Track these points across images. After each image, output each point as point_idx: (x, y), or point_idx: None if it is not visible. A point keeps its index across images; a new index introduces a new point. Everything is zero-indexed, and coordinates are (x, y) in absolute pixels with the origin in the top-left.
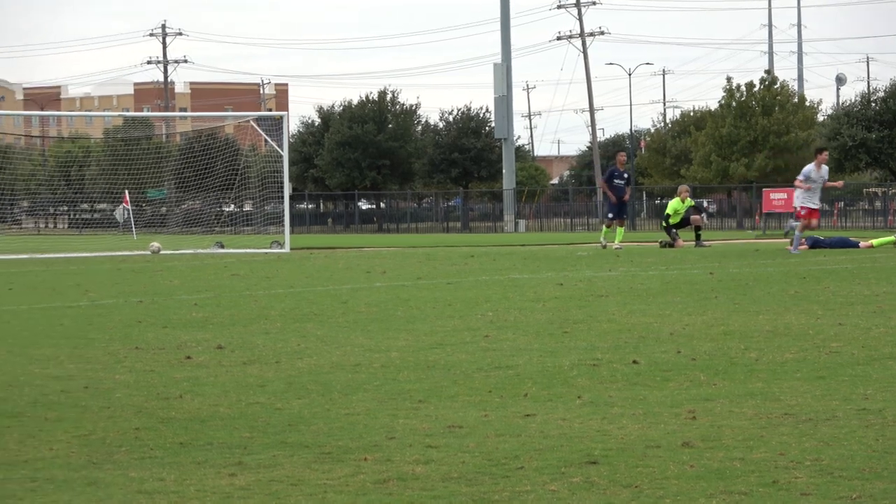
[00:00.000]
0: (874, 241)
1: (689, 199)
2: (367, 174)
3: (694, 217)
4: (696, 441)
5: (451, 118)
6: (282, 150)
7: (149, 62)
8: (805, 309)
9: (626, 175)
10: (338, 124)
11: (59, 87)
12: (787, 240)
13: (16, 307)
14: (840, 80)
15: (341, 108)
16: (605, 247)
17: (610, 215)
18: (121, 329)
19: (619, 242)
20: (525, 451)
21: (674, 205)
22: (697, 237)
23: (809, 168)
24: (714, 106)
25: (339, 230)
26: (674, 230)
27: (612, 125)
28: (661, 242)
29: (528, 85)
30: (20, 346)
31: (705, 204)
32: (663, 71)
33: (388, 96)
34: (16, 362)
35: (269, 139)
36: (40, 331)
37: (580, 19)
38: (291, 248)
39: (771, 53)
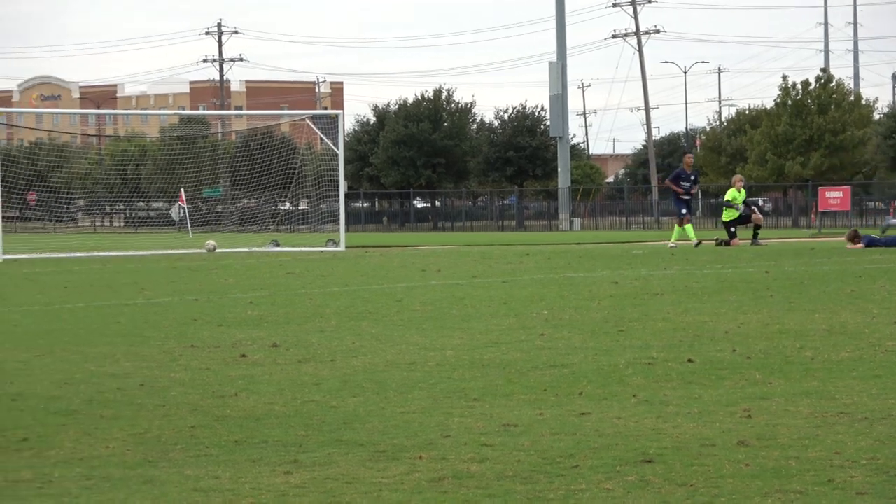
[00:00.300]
0: None
1: (742, 189)
2: (422, 172)
3: (756, 217)
4: (752, 440)
5: (506, 116)
6: (337, 148)
7: (204, 60)
8: (861, 308)
9: (692, 176)
10: (393, 123)
11: (115, 85)
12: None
13: (72, 305)
14: None
15: (396, 106)
16: (698, 244)
17: (683, 211)
18: (176, 327)
19: (675, 241)
20: (580, 449)
21: (732, 193)
22: (755, 235)
23: None
24: (770, 104)
25: (394, 228)
26: (732, 228)
27: (668, 123)
28: (717, 241)
29: (583, 83)
30: (76, 344)
31: (760, 202)
32: (718, 69)
33: (444, 94)
34: (72, 360)
35: (324, 137)
36: (96, 329)
37: (635, 17)
38: (346, 247)
39: (827, 52)
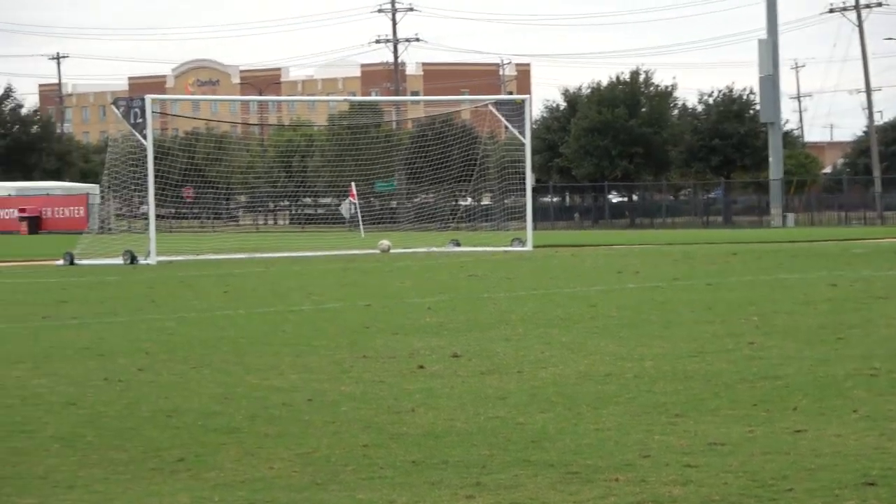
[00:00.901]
0: None
1: None
2: (617, 163)
3: None
4: None
5: (710, 101)
6: (524, 137)
7: (377, 41)
8: None
9: None
10: (585, 108)
11: (279, 69)
12: None
13: (232, 312)
14: None
15: (589, 90)
16: None
17: None
18: (347, 335)
19: None
20: (794, 470)
21: None
22: None
23: None
24: None
25: (586, 226)
26: None
27: (892, 107)
28: None
29: (796, 63)
30: (237, 354)
31: None
32: None
33: (642, 77)
34: (232, 372)
35: (509, 125)
36: (259, 338)
37: None
38: (534, 246)
39: None
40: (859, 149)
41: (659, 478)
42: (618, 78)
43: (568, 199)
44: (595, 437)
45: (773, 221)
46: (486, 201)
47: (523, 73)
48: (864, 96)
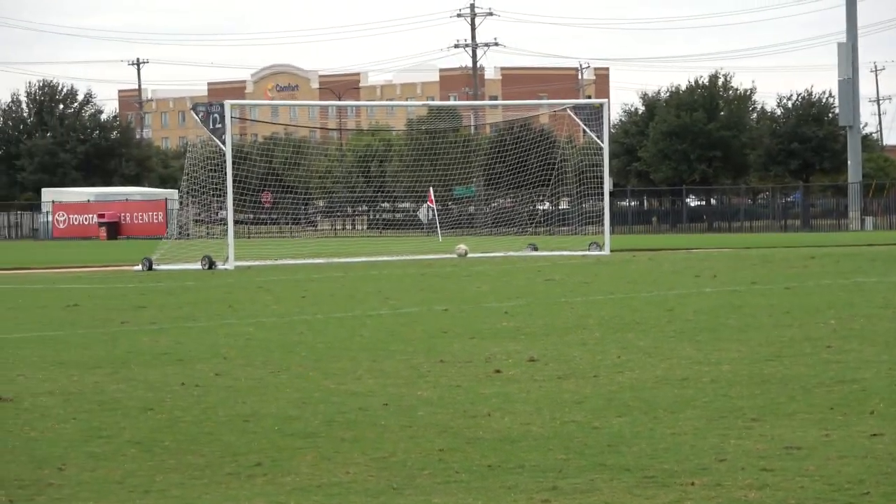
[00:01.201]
0: None
1: None
2: (696, 167)
3: None
4: None
5: (789, 104)
6: (602, 141)
7: (456, 45)
8: None
9: None
10: (664, 112)
11: (358, 73)
12: None
13: (310, 316)
14: None
15: (667, 94)
16: None
17: None
18: (424, 340)
19: None
20: (871, 474)
21: None
22: None
23: None
24: None
25: (664, 230)
26: None
27: None
28: None
29: (875, 66)
30: (314, 359)
31: None
32: None
33: (720, 80)
34: (309, 377)
35: (587, 129)
36: (336, 342)
37: None
38: (611, 250)
39: None
40: None
41: (735, 482)
42: (696, 82)
43: (646, 203)
44: (671, 442)
45: (852, 225)
46: (563, 205)
47: (602, 77)
48: None
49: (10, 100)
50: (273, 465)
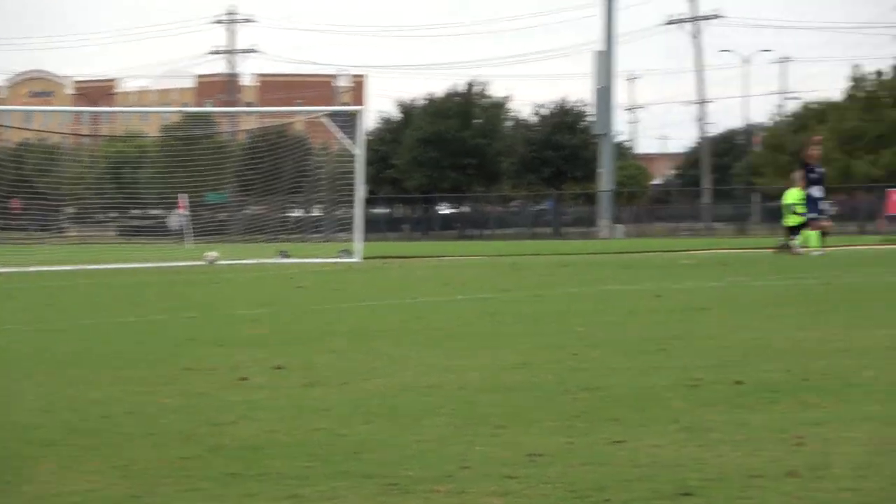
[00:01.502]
0: None
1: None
2: (449, 175)
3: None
4: (803, 470)
5: (544, 112)
6: (356, 148)
7: (214, 52)
8: None
9: (817, 169)
10: (420, 120)
11: (113, 80)
12: None
13: (55, 325)
14: None
15: (425, 102)
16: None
17: (813, 214)
18: (171, 348)
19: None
20: (612, 481)
21: (795, 194)
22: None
23: None
24: (839, 97)
25: (416, 237)
26: (794, 236)
27: (725, 119)
28: (779, 246)
29: (630, 75)
30: (58, 367)
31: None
32: (782, 59)
33: (476, 88)
34: (52, 385)
35: (342, 136)
36: (82, 350)
37: (693, 1)
38: (364, 258)
39: None
40: (690, 160)
41: (479, 489)
42: (453, 90)
43: (398, 210)
44: (416, 449)
45: (602, 233)
46: (316, 213)
47: (359, 85)
48: (697, 108)
49: None
50: (14, 473)
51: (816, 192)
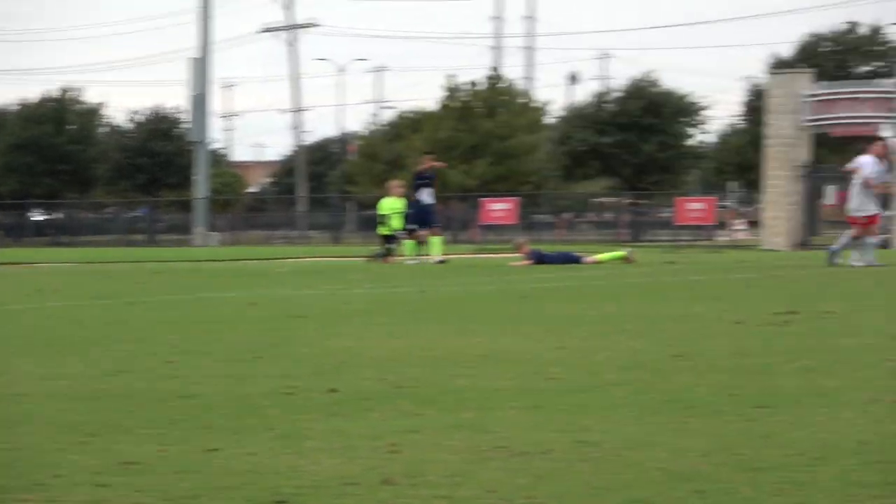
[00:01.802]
0: (599, 257)
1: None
2: (42, 181)
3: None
4: (398, 477)
5: (139, 119)
6: None
7: None
8: (524, 331)
9: (428, 176)
10: (12, 125)
11: None
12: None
13: None
14: (573, 79)
15: (17, 107)
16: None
17: (413, 227)
18: None
19: (432, 255)
20: (206, 489)
21: (390, 204)
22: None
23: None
24: (434, 107)
25: (8, 243)
26: (392, 244)
27: (321, 127)
28: (373, 255)
29: (227, 82)
30: None
31: None
32: (378, 68)
33: (70, 94)
34: None
35: None
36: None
37: (289, 10)
38: None
39: (499, 49)
40: (286, 168)
41: (71, 497)
42: (47, 95)
43: None
44: (7, 458)
45: (197, 241)
46: None
47: None
48: (292, 116)
49: None
50: None
51: (427, 197)
